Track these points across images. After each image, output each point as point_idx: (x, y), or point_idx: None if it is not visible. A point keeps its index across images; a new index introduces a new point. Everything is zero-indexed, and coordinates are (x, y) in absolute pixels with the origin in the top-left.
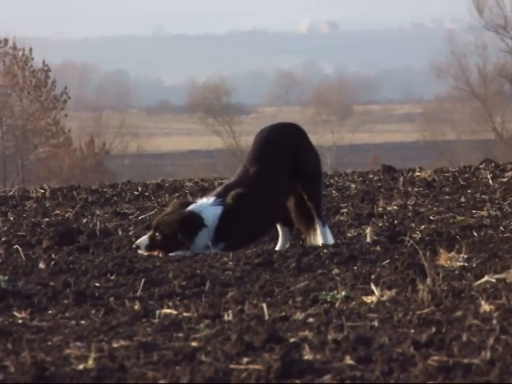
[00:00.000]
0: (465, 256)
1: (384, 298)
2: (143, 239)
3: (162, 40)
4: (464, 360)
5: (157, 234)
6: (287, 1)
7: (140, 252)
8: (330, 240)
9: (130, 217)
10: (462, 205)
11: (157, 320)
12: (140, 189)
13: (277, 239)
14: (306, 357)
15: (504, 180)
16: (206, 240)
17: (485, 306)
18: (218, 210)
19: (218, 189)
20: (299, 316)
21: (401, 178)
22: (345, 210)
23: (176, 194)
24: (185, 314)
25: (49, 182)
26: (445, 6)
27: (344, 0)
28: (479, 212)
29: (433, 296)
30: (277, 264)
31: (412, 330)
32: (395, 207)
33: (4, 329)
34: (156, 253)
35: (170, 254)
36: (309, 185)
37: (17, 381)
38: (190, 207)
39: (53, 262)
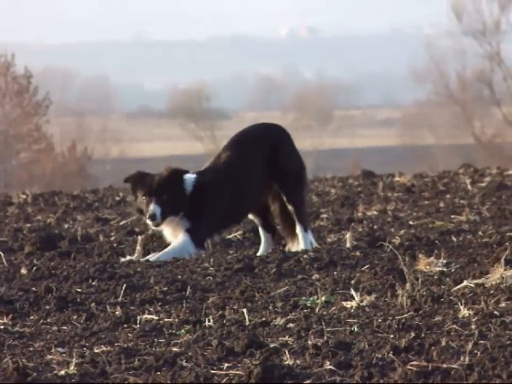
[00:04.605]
0: (444, 261)
1: (364, 303)
2: (152, 208)
3: (143, 45)
4: (443, 365)
5: (160, 193)
6: (266, 6)
7: (153, 224)
8: (309, 248)
9: (111, 222)
10: (441, 210)
11: (138, 326)
12: (121, 194)
13: (258, 244)
14: (286, 362)
15: (483, 184)
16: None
17: (464, 311)
18: (193, 176)
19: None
20: (279, 321)
21: (381, 184)
22: (325, 215)
23: None
24: (166, 319)
25: (31, 187)
26: (424, 11)
27: (323, 6)
28: (458, 216)
29: (413, 301)
30: (258, 269)
31: (391, 335)
32: (375, 212)
33: None
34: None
35: (150, 259)
36: (288, 187)
37: None
38: None
39: (35, 268)
